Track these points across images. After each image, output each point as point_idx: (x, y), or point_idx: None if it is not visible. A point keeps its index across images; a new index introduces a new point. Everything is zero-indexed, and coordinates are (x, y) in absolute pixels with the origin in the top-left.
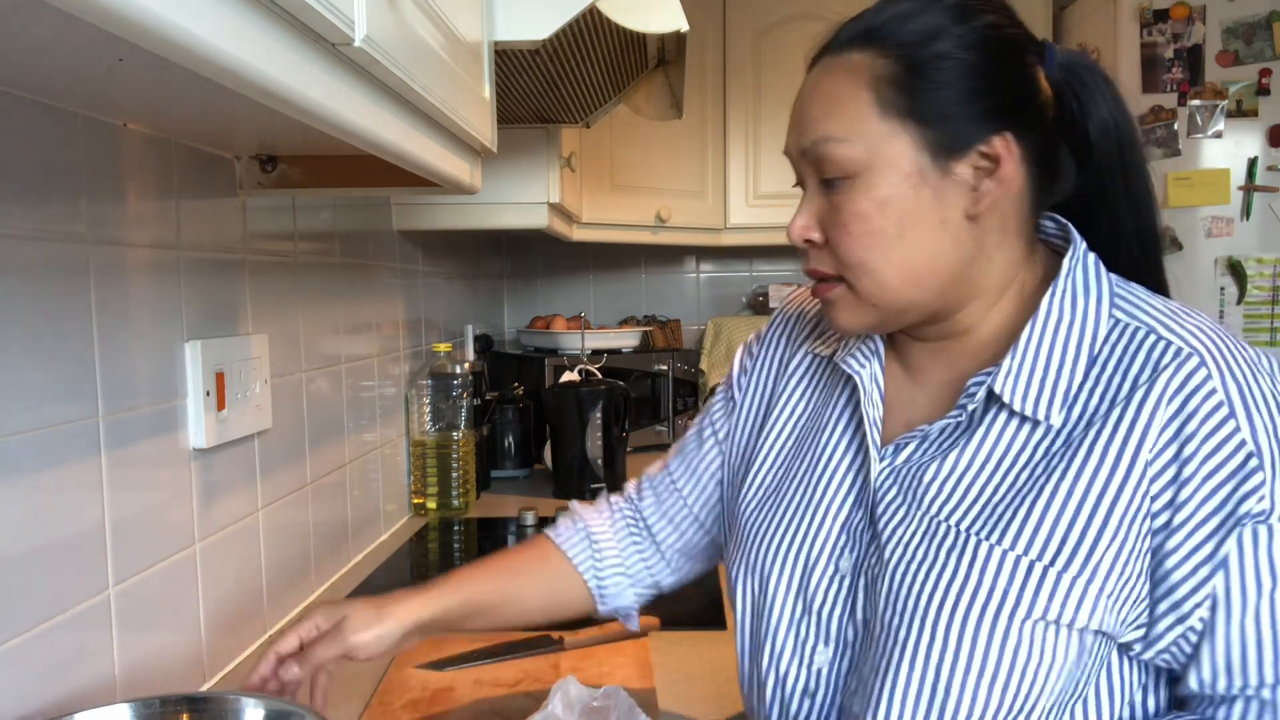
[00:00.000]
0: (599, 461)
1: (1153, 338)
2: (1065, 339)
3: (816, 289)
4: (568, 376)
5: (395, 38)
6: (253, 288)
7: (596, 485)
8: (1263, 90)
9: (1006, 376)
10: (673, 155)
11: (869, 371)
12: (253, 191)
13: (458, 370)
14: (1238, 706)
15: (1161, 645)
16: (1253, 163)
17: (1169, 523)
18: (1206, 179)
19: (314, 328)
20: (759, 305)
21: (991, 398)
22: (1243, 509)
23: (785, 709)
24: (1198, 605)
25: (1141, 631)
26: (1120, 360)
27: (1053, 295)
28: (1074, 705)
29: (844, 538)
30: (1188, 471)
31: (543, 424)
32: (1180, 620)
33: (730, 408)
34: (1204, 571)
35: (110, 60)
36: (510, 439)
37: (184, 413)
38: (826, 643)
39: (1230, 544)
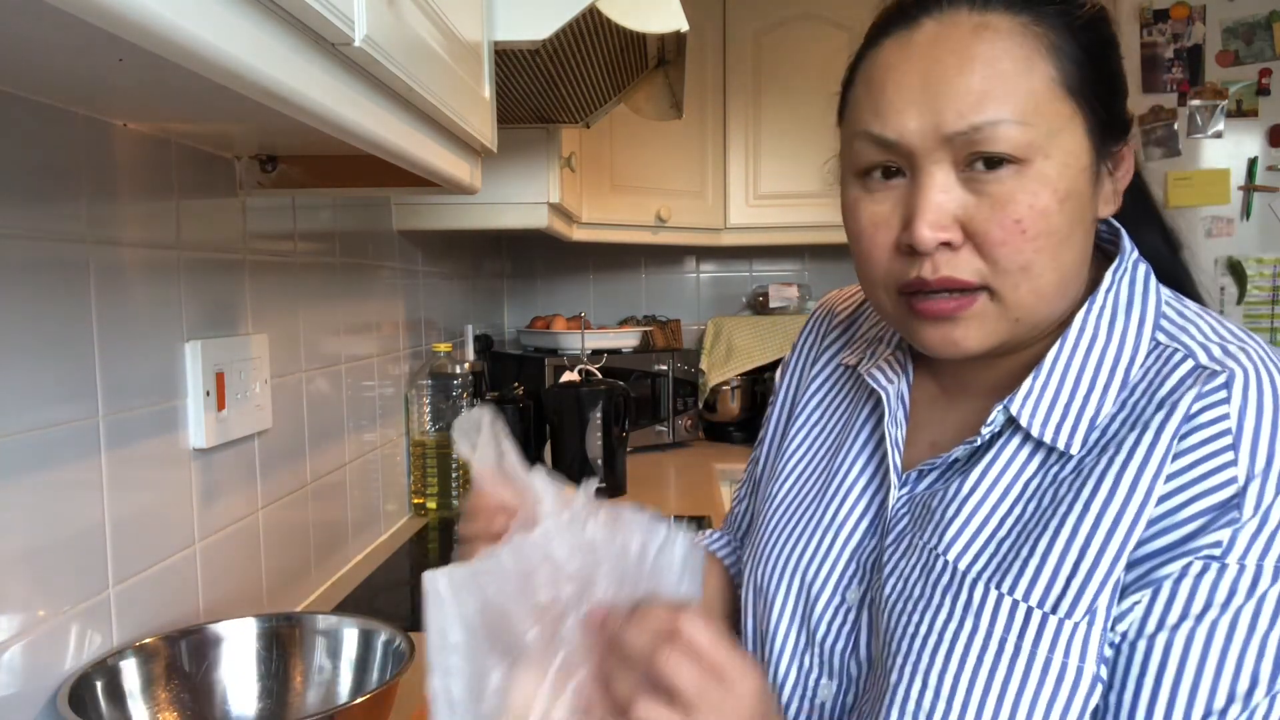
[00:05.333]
0: (599, 461)
1: (1189, 362)
2: (1097, 362)
3: (936, 305)
4: (568, 376)
5: (395, 38)
6: (253, 288)
7: (597, 485)
8: (1263, 90)
9: (1026, 398)
10: (673, 155)
11: (895, 389)
12: (253, 191)
13: (458, 370)
14: None
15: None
16: (1253, 163)
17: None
18: (1206, 179)
19: (314, 328)
20: (759, 305)
21: (1010, 421)
22: (1201, 540)
23: None
24: (1119, 619)
25: None
26: (1150, 384)
27: (1088, 311)
28: None
29: (853, 567)
30: (1169, 489)
31: (543, 424)
32: (1108, 630)
33: (770, 416)
34: (1140, 592)
35: (110, 60)
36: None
37: (184, 413)
38: (830, 676)
39: (1172, 567)
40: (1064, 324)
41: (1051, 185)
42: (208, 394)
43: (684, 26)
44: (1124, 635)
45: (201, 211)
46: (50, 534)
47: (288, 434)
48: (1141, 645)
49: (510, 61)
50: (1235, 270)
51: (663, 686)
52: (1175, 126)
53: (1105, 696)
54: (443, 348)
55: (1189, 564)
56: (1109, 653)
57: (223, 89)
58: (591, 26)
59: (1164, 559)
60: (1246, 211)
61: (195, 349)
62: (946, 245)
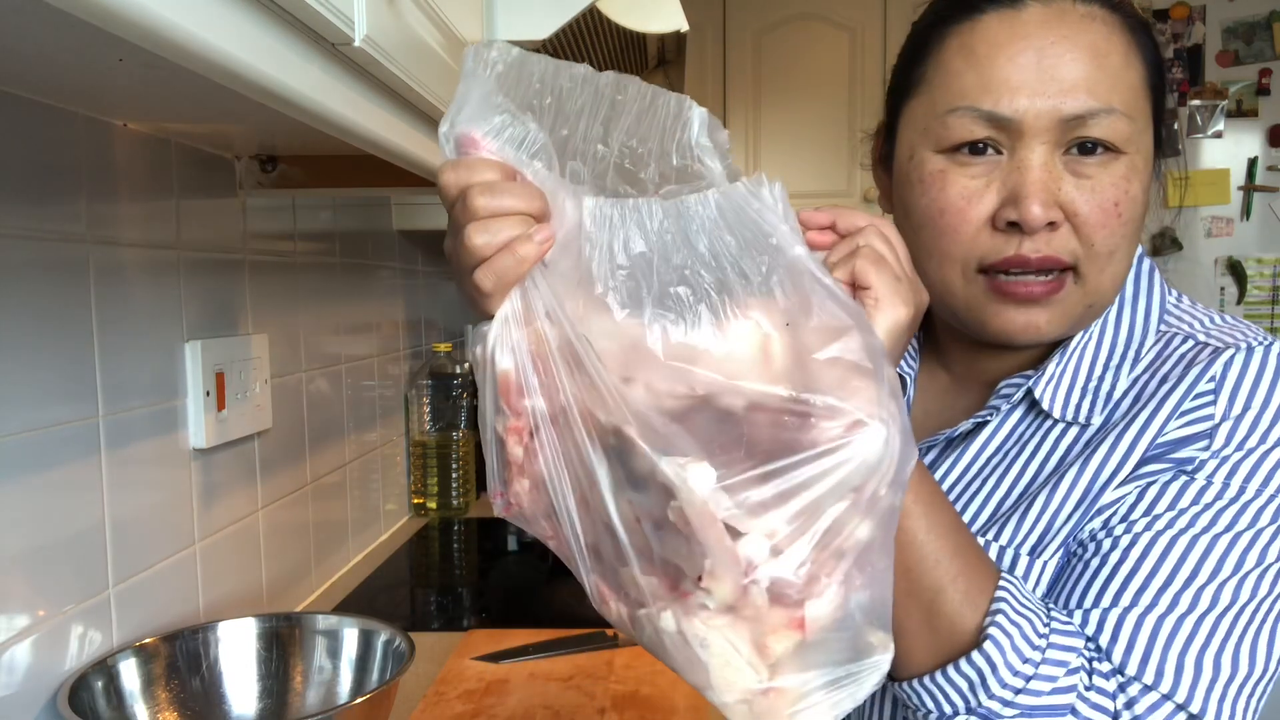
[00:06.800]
0: None
1: (1190, 342)
2: (1110, 348)
3: (1026, 288)
4: None
5: (395, 37)
6: (253, 288)
7: None
8: (1263, 90)
9: (1049, 382)
10: None
11: (912, 377)
12: (253, 191)
13: (458, 370)
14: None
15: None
16: (1253, 163)
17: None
18: (1206, 179)
19: (314, 328)
20: None
21: (1022, 398)
22: (1174, 456)
23: None
24: (1093, 519)
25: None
26: (1153, 364)
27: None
28: None
29: None
30: (1163, 430)
31: None
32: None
33: None
34: (1116, 496)
35: (110, 60)
36: None
37: (184, 413)
38: None
39: (1144, 480)
40: None
41: (1140, 177)
42: (208, 394)
43: (684, 26)
44: (1090, 532)
45: (201, 211)
46: (50, 534)
47: (288, 434)
48: (1105, 540)
49: None
50: (1235, 270)
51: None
52: (1175, 126)
53: (1064, 580)
54: (443, 348)
55: (1160, 474)
56: (1074, 547)
57: (223, 89)
58: (591, 26)
59: (1138, 472)
60: (1246, 211)
61: (195, 349)
62: (1049, 225)
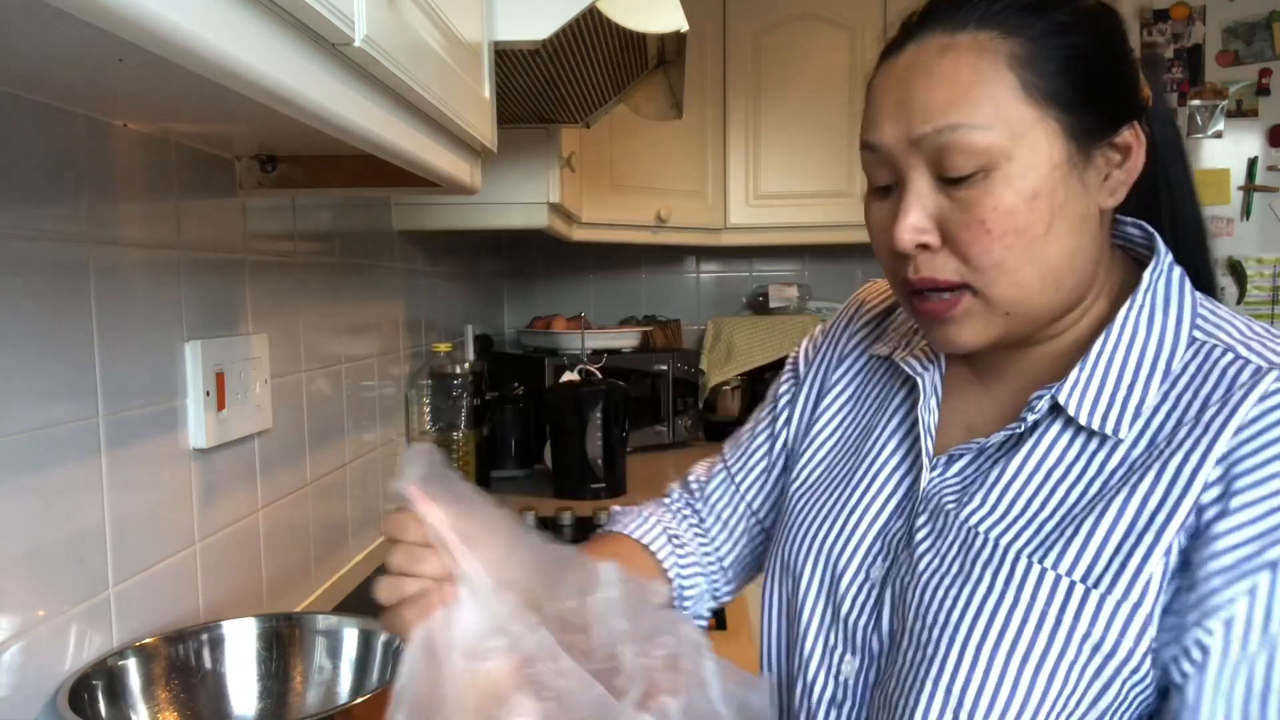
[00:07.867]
0: (599, 461)
1: (1229, 356)
2: (1139, 355)
3: (929, 306)
4: (568, 376)
5: (395, 38)
6: (253, 288)
7: (597, 485)
8: (1263, 90)
9: (1073, 389)
10: (673, 155)
11: (930, 376)
12: (253, 191)
13: (458, 370)
14: None
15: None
16: (1253, 163)
17: (1206, 534)
18: (1206, 179)
19: (314, 328)
20: (759, 305)
21: (1054, 410)
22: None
23: (812, 717)
24: (1199, 624)
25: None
26: (1193, 380)
27: (1130, 308)
28: None
29: (879, 545)
30: (1239, 485)
31: (543, 424)
32: (1176, 639)
33: (793, 393)
34: (1222, 596)
35: (110, 60)
36: (510, 439)
37: (184, 413)
38: (854, 653)
39: (1261, 576)
40: (1106, 319)
41: (1015, 186)
42: (208, 394)
43: (684, 26)
44: (1222, 653)
45: (201, 211)
46: (50, 534)
47: (288, 434)
48: (1245, 665)
49: (510, 61)
50: (1235, 270)
51: None
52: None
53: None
54: (443, 348)
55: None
56: (1196, 655)
57: (223, 89)
58: (591, 26)
59: (1254, 564)
60: (1246, 211)
61: (195, 349)
62: (925, 247)
